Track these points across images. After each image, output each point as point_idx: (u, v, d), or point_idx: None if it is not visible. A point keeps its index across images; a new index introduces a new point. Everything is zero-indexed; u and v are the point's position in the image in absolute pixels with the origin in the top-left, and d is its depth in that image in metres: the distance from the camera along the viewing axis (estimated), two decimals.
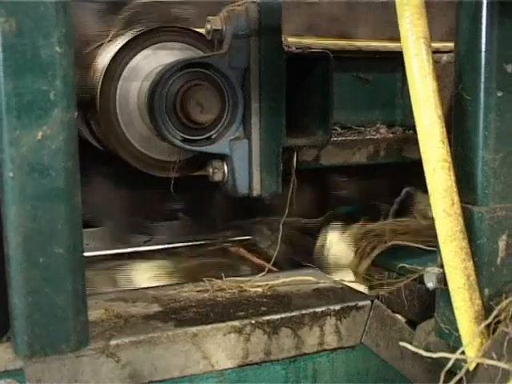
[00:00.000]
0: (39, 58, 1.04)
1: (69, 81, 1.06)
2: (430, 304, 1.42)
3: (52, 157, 1.07)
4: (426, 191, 1.18)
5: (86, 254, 1.17)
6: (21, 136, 1.04)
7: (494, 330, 1.17)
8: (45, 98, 1.05)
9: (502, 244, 1.25)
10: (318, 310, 1.45)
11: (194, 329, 1.35)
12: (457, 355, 1.13)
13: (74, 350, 1.15)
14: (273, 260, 1.78)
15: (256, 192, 1.64)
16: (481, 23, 1.20)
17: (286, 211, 1.79)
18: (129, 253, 2.12)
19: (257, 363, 1.40)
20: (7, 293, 1.12)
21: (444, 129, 1.15)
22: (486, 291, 1.24)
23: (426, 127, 1.14)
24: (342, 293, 1.56)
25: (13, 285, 1.10)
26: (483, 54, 1.21)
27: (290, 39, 1.83)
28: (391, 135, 2.09)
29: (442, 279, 1.24)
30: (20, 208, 1.07)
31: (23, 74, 1.03)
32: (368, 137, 2.06)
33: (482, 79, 1.22)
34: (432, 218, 1.19)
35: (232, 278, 1.62)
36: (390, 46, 2.08)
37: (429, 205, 1.19)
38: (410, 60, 1.14)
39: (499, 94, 1.22)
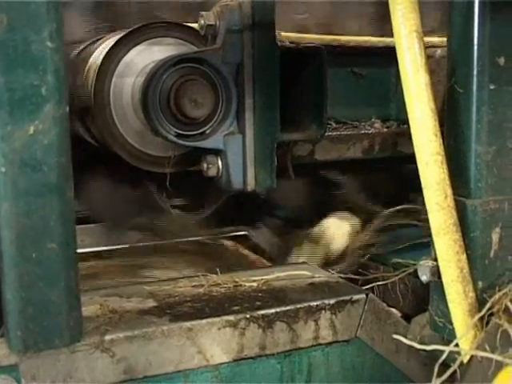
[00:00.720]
0: (30, 53, 1.04)
1: (60, 76, 1.06)
2: (424, 298, 1.42)
3: (44, 152, 1.06)
4: None
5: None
6: (13, 131, 1.04)
7: (488, 323, 1.18)
8: (36, 93, 1.05)
9: (495, 237, 1.25)
10: (313, 304, 1.45)
11: (188, 323, 1.35)
12: (451, 347, 1.14)
13: (67, 345, 1.15)
14: None
15: (250, 187, 1.64)
16: (473, 17, 1.20)
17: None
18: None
19: (252, 358, 1.40)
20: (0, 288, 1.12)
21: (437, 122, 1.15)
22: (480, 284, 1.24)
23: (419, 120, 1.14)
24: (337, 287, 1.55)
25: (6, 280, 1.10)
26: (475, 48, 1.21)
27: (285, 34, 1.83)
28: (386, 130, 2.10)
29: (436, 272, 1.24)
30: (12, 203, 1.06)
31: (15, 69, 1.03)
32: (363, 131, 2.06)
33: (475, 72, 1.22)
34: None
35: (227, 273, 1.62)
36: (385, 40, 2.08)
37: None
38: (402, 54, 1.14)
39: (492, 87, 1.22)
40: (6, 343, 1.17)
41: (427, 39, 1.17)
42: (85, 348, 1.25)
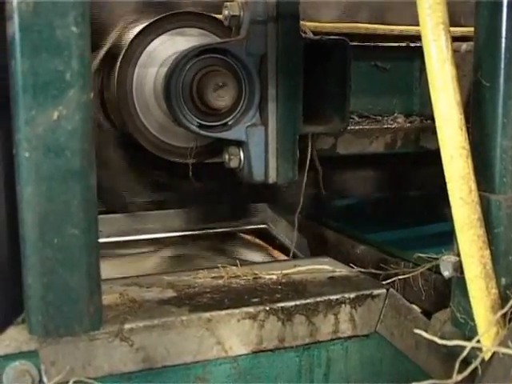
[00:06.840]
0: (55, 38, 1.03)
1: (85, 61, 1.06)
2: (445, 294, 1.41)
3: (68, 137, 1.06)
4: None
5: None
6: (36, 116, 1.04)
7: (510, 320, 1.16)
8: (61, 78, 1.04)
9: None
10: (333, 297, 1.44)
11: (208, 314, 1.34)
12: (473, 343, 1.12)
13: (87, 332, 1.15)
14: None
15: (272, 179, 1.64)
16: (501, 7, 1.19)
17: (301, 200, 1.79)
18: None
19: (271, 350, 1.40)
20: (22, 273, 1.12)
21: (462, 115, 1.13)
22: (503, 280, 1.22)
23: (444, 113, 1.13)
24: (358, 281, 1.55)
25: (27, 265, 1.10)
26: (503, 40, 1.20)
27: (308, 24, 1.82)
28: (409, 124, 2.08)
29: (459, 268, 1.23)
30: (35, 188, 1.06)
31: (39, 53, 1.03)
32: (385, 126, 2.05)
33: (502, 65, 1.20)
34: None
35: (247, 266, 1.62)
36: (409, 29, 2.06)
37: None
38: (428, 46, 1.12)
39: None
40: (27, 329, 1.17)
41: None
42: (104, 336, 1.25)
